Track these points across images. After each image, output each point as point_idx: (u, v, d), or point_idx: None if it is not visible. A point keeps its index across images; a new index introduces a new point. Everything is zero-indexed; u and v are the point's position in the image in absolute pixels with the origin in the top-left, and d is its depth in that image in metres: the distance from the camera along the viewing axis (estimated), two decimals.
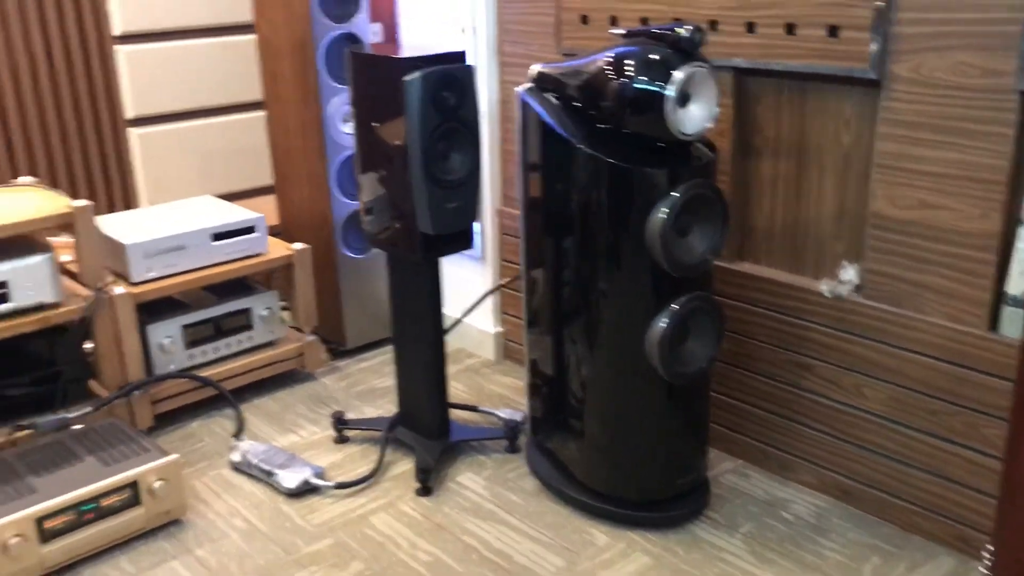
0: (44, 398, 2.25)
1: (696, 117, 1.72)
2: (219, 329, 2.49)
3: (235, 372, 2.50)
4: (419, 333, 2.16)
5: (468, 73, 1.95)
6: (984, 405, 1.74)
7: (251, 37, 2.95)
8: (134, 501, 1.93)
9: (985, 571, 1.64)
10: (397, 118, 1.92)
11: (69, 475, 1.91)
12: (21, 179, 2.47)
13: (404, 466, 2.21)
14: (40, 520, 1.81)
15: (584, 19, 2.24)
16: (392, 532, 1.97)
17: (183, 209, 2.59)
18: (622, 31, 1.83)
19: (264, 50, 2.70)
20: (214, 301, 2.49)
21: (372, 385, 2.63)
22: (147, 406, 2.35)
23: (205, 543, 1.95)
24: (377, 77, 1.96)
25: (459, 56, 1.95)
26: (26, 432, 2.13)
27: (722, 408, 2.19)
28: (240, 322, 2.52)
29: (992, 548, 1.63)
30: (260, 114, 2.99)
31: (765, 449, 2.13)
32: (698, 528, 1.95)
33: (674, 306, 1.79)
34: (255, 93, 2.95)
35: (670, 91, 1.67)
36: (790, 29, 1.86)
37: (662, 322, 1.79)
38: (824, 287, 1.93)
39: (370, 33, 2.60)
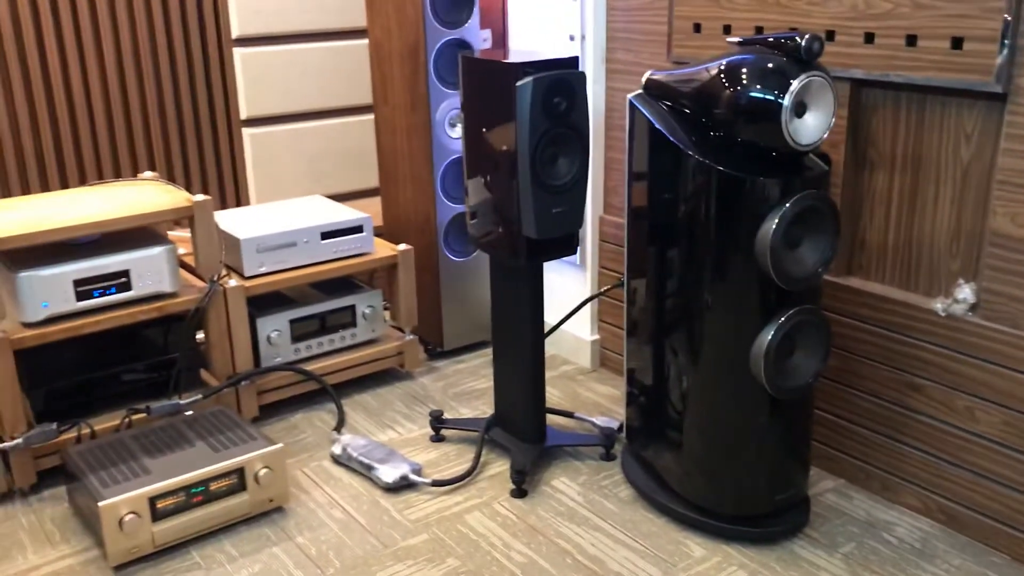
0: (158, 384, 2.34)
1: (812, 127, 1.70)
2: (324, 325, 2.55)
3: (337, 367, 2.56)
4: (519, 337, 2.18)
5: (579, 79, 1.96)
6: None
7: (363, 42, 3.03)
8: (240, 487, 2.00)
9: None
10: (506, 123, 1.95)
11: (180, 459, 1.98)
12: (143, 175, 2.57)
13: (499, 467, 2.23)
14: (153, 500, 1.89)
15: (697, 27, 2.23)
16: (486, 531, 1.99)
17: (294, 207, 2.67)
18: (737, 39, 1.82)
19: (375, 54, 2.77)
20: (320, 297, 2.56)
21: (469, 387, 2.66)
22: (253, 396, 2.43)
23: (305, 531, 2.00)
24: (488, 82, 1.99)
25: (571, 62, 1.97)
26: (141, 416, 2.22)
27: (825, 425, 2.15)
28: (344, 319, 2.58)
29: None
30: (369, 117, 3.07)
31: (868, 469, 2.08)
32: (796, 546, 1.92)
33: (781, 319, 1.77)
34: (365, 97, 3.03)
35: (786, 100, 1.65)
36: (911, 41, 1.82)
37: (768, 334, 1.77)
38: (938, 305, 1.88)
39: (480, 39, 2.64)
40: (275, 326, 2.47)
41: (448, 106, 2.63)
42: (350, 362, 2.58)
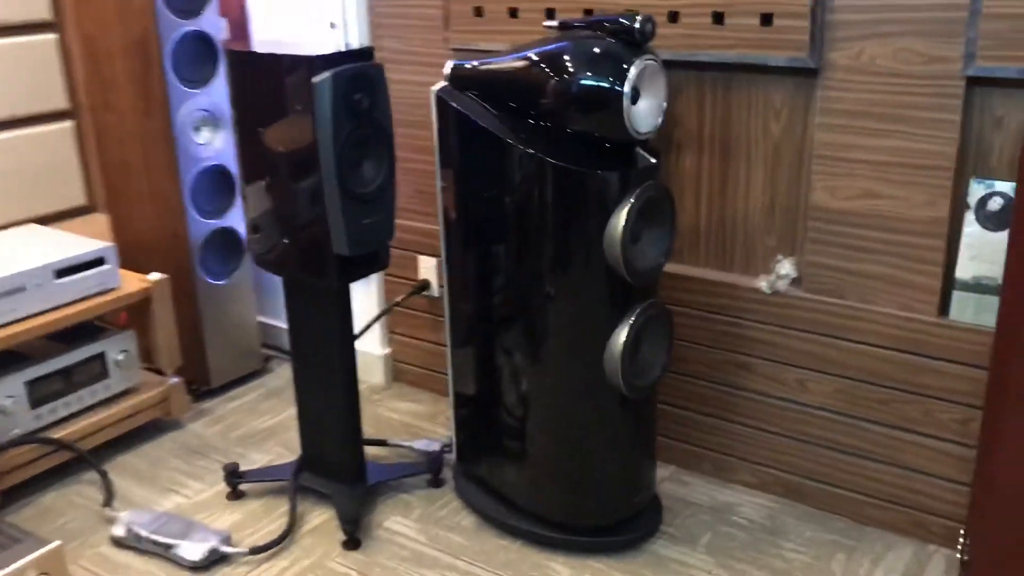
0: None
1: (647, 114, 1.61)
2: (69, 381, 2.12)
3: (92, 429, 2.14)
4: (328, 366, 1.92)
5: (379, 72, 1.73)
6: (938, 391, 1.75)
7: (49, 37, 2.52)
8: None
9: (960, 556, 1.64)
10: (294, 124, 1.68)
11: None
12: None
13: (320, 517, 1.97)
14: None
15: (478, 11, 2.07)
16: None
17: (7, 242, 2.19)
18: (554, 23, 1.69)
19: (86, 52, 2.33)
20: (61, 349, 2.12)
21: (251, 427, 2.34)
22: None
23: None
24: (269, 78, 1.71)
25: (366, 53, 1.73)
26: None
27: None
28: (93, 370, 2.16)
29: (966, 534, 1.63)
30: (64, 125, 2.57)
31: (699, 452, 2.07)
32: (658, 547, 1.85)
33: (632, 317, 1.67)
34: (56, 102, 2.52)
35: (626, 87, 1.54)
36: (718, 18, 1.78)
37: (622, 334, 1.67)
38: (763, 283, 1.88)
39: (219, 30, 2.30)
40: (8, 392, 2.00)
41: (192, 107, 2.27)
42: (106, 420, 2.17)
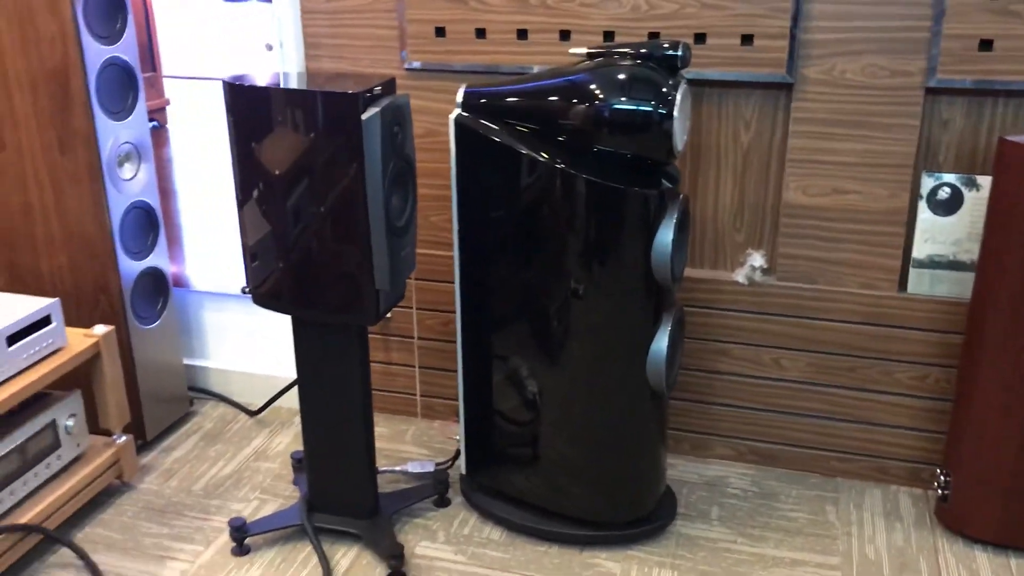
0: None
1: (681, 132, 1.73)
2: (24, 458, 1.89)
3: (54, 507, 1.93)
4: (346, 403, 1.87)
5: (408, 104, 1.72)
6: (898, 354, 2.04)
7: None
8: None
9: (941, 492, 1.95)
10: (305, 158, 1.63)
11: None
12: None
13: (346, 557, 1.92)
14: None
15: (440, 31, 2.07)
16: None
17: None
18: (582, 50, 1.76)
19: None
20: (13, 423, 1.88)
21: (212, 477, 2.21)
22: None
23: None
24: (280, 112, 1.63)
25: (390, 84, 1.71)
26: None
27: None
28: (45, 442, 1.94)
29: (944, 473, 1.94)
30: None
31: (677, 435, 2.24)
32: (681, 528, 2.01)
33: (669, 321, 1.80)
34: None
35: (675, 111, 1.65)
36: (700, 39, 1.94)
37: (663, 341, 1.79)
38: (740, 275, 2.08)
39: (135, 56, 2.11)
40: None
41: (115, 143, 2.07)
42: (65, 494, 1.96)
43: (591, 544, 1.94)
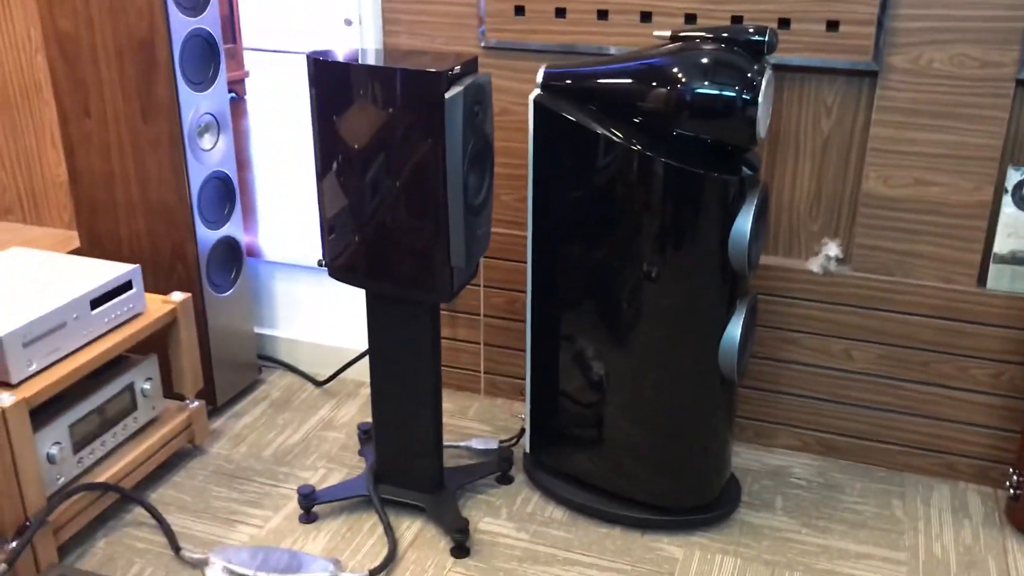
0: None
1: (764, 118, 1.71)
2: (104, 419, 1.95)
3: (130, 467, 1.98)
4: (416, 377, 1.89)
5: (489, 83, 1.72)
6: (973, 350, 2.00)
7: None
8: None
9: (1013, 491, 1.91)
10: (384, 135, 1.64)
11: None
12: None
13: (410, 530, 1.95)
14: None
15: (519, 10, 2.07)
16: None
17: (13, 273, 1.95)
18: (665, 33, 1.75)
19: (61, 52, 2.09)
20: (94, 385, 1.94)
21: (280, 445, 2.25)
22: (50, 539, 1.78)
23: None
24: (362, 88, 1.64)
25: (472, 63, 1.71)
26: None
27: None
28: (123, 404, 2.00)
29: (1017, 472, 1.91)
30: None
31: (742, 423, 2.23)
32: (744, 516, 2.00)
33: (744, 308, 1.79)
34: None
35: (760, 97, 1.64)
36: (783, 23, 1.91)
37: (737, 328, 1.78)
38: (814, 265, 2.05)
39: (219, 29, 2.14)
40: (55, 438, 1.82)
41: (196, 113, 2.11)
42: (140, 456, 2.01)
43: (654, 528, 1.95)
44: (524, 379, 2.35)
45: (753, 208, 1.70)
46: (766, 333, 2.13)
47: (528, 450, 2.08)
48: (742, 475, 2.13)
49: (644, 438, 1.90)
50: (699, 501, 1.95)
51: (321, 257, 1.84)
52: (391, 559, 1.84)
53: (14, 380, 1.71)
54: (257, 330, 2.56)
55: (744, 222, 1.70)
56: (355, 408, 2.40)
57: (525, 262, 2.24)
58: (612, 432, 1.92)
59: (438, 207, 1.68)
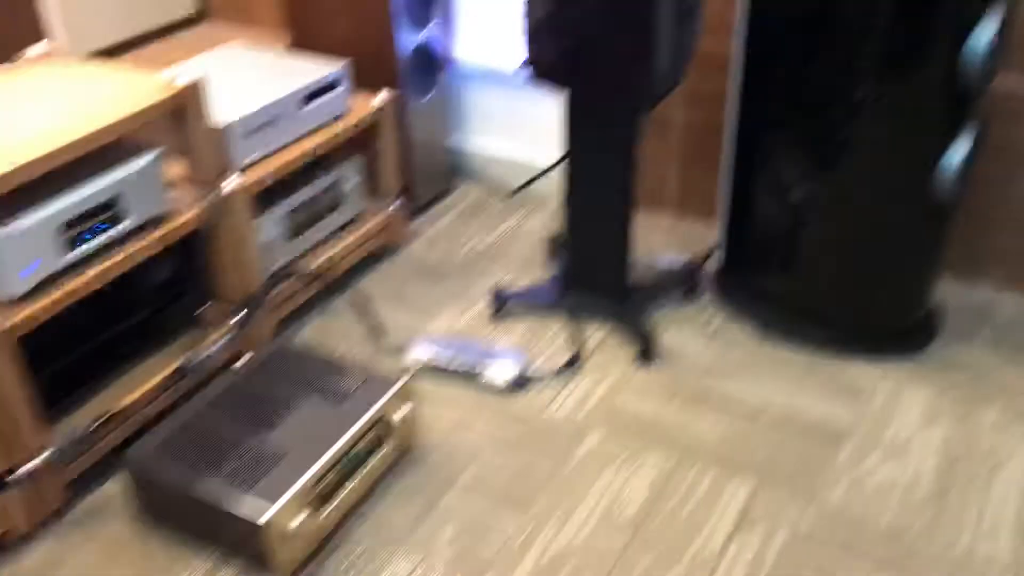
0: (155, 331, 1.78)
1: None
2: (313, 211, 2.06)
3: (336, 259, 2.11)
4: (610, 184, 1.89)
5: None
6: None
7: None
8: (379, 440, 1.61)
9: None
10: None
11: (298, 425, 1.54)
12: (32, 50, 1.81)
13: (595, 335, 2.00)
14: (313, 489, 1.47)
15: None
16: (654, 411, 1.80)
17: (222, 65, 2.05)
18: None
19: None
20: (305, 179, 2.04)
21: (471, 248, 2.32)
22: (268, 316, 1.94)
23: (460, 471, 1.67)
24: None
25: None
26: (182, 381, 1.70)
27: None
28: (330, 199, 2.10)
29: None
30: None
31: (948, 255, 2.12)
32: (942, 349, 1.93)
33: (971, 132, 1.67)
34: None
35: None
36: None
37: (958, 151, 1.67)
38: None
39: None
40: (275, 224, 1.95)
41: None
42: (345, 249, 2.13)
43: (845, 352, 1.92)
44: (717, 197, 2.31)
45: (999, 19, 1.55)
46: (984, 167, 1.99)
47: (720, 267, 2.07)
48: (944, 309, 2.04)
49: (844, 262, 1.84)
50: (895, 328, 1.90)
51: (523, 61, 1.82)
52: (576, 359, 1.91)
53: (239, 166, 1.83)
54: (450, 141, 2.60)
55: (982, 34, 1.56)
56: (542, 219, 2.44)
57: (728, 76, 2.15)
58: (810, 254, 1.87)
59: (647, 9, 1.62)
